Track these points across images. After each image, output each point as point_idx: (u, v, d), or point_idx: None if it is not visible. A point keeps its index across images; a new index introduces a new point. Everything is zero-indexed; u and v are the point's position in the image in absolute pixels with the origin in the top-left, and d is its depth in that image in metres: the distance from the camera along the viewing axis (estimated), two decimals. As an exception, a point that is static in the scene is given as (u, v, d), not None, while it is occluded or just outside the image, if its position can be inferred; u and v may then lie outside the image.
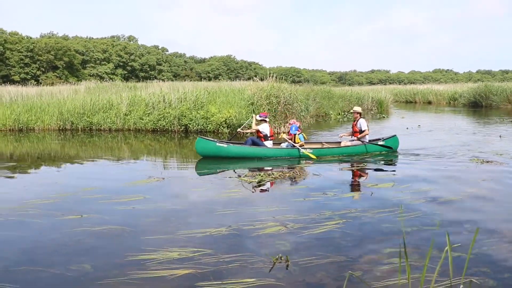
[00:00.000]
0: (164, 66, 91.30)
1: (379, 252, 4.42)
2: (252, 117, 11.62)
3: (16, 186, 8.14)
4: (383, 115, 25.13)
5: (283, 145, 10.85)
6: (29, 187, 7.99)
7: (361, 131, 10.99)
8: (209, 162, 10.19)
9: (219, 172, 9.13)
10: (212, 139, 10.48)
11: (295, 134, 10.53)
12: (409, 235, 4.89)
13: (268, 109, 16.15)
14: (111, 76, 74.93)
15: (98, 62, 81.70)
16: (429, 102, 43.58)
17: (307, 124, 18.28)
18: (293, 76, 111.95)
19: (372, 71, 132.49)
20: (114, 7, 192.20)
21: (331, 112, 24.35)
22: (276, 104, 16.20)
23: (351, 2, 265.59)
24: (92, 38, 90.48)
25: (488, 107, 32.15)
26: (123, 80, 63.39)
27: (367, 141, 10.96)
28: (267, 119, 10.98)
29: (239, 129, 12.26)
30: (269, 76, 17.71)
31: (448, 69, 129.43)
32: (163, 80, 63.05)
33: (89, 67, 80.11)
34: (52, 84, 54.24)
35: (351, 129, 11.48)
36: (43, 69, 72.14)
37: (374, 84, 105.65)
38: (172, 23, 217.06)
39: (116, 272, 3.98)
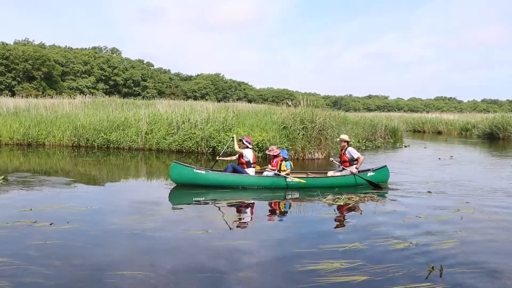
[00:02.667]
0: (149, 82, 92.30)
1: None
2: (232, 138, 11.60)
3: (103, 202, 8.96)
4: (405, 145, 26.42)
5: (267, 173, 10.95)
6: (118, 203, 8.90)
7: (352, 160, 11.21)
8: (188, 189, 10.28)
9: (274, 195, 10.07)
10: (188, 165, 10.56)
11: (281, 162, 10.76)
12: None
13: (303, 134, 17.24)
14: (92, 91, 75.45)
15: (78, 74, 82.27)
16: (439, 132, 45.32)
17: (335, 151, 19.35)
18: (286, 99, 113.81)
19: (369, 97, 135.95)
20: (94, 17, 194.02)
21: (351, 140, 25.49)
22: (311, 129, 17.29)
23: (343, 24, 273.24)
24: (72, 48, 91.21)
25: (506, 139, 33.86)
26: (104, 95, 64.06)
27: (357, 171, 11.10)
28: (251, 146, 11.10)
29: (218, 157, 11.71)
30: (302, 101, 18.85)
31: (451, 97, 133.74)
32: (148, 98, 63.86)
33: (69, 79, 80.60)
34: (30, 95, 54.73)
35: (339, 158, 11.69)
36: (19, 79, 72.31)
37: (371, 110, 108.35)
38: (153, 37, 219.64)
39: (293, 279, 4.90)
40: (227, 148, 12.58)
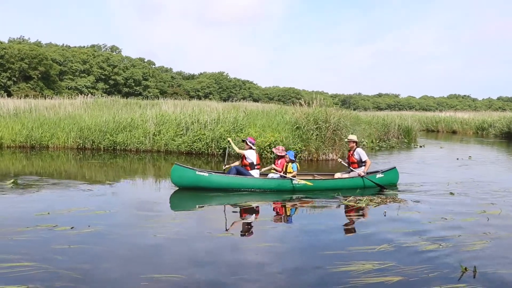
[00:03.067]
0: (150, 82, 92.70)
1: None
2: (228, 142, 11.72)
3: (119, 205, 9.19)
4: (420, 145, 26.55)
5: (272, 175, 10.96)
6: (134, 206, 9.13)
7: (360, 162, 11.31)
8: (192, 193, 10.31)
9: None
10: (191, 167, 10.64)
11: (287, 163, 10.81)
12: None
13: (317, 134, 17.40)
14: (91, 91, 75.81)
15: (77, 74, 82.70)
16: (454, 132, 45.34)
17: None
18: (292, 97, 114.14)
19: (379, 95, 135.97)
20: (91, 14, 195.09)
21: (364, 140, 25.61)
22: (325, 129, 17.45)
23: (352, 19, 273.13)
24: (69, 46, 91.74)
25: (526, 139, 33.92)
26: (106, 95, 64.37)
27: (365, 173, 11.19)
28: (254, 146, 11.08)
29: (225, 167, 11.26)
30: (315, 100, 19.00)
31: (465, 95, 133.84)
32: (151, 97, 64.11)
33: (67, 79, 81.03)
34: (28, 96, 55.10)
35: (347, 158, 11.82)
36: (15, 79, 72.66)
37: (381, 109, 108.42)
38: (153, 35, 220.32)
39: (327, 280, 5.08)
40: (228, 153, 12.44)
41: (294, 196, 10.11)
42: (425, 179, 12.64)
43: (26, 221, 7.45)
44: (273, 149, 11.47)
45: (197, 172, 10.24)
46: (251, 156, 10.75)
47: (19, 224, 7.22)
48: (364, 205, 9.05)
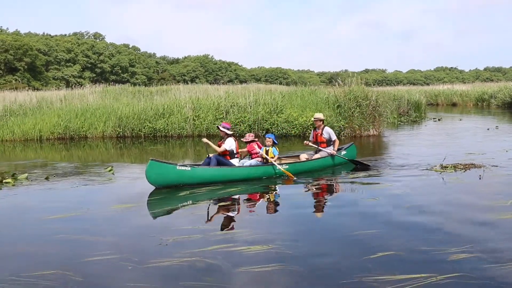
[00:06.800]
0: (137, 68, 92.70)
1: None
2: (206, 143, 10.16)
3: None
4: (438, 118, 28.08)
5: (252, 162, 10.54)
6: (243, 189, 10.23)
7: (330, 141, 11.39)
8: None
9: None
10: (169, 162, 9.70)
11: (268, 148, 10.50)
12: None
13: (358, 111, 18.69)
14: (78, 80, 75.84)
15: (62, 63, 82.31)
16: (453, 104, 47.06)
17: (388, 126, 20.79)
18: (280, 77, 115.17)
19: (366, 71, 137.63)
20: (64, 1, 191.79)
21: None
22: (366, 107, 18.77)
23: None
24: (50, 35, 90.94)
25: (529, 107, 35.84)
26: (91, 83, 64.35)
27: (334, 151, 11.32)
28: (230, 131, 10.36)
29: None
30: (354, 79, 20.23)
31: (452, 67, 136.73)
32: (138, 84, 64.26)
33: (53, 69, 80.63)
34: (17, 88, 54.92)
35: (313, 138, 11.73)
36: (0, 72, 72.14)
37: (369, 85, 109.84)
38: (131, 20, 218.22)
39: (492, 227, 6.34)
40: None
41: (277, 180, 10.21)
42: (479, 149, 13.81)
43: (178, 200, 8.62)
44: (243, 139, 11.32)
45: (177, 167, 9.41)
46: (231, 144, 10.13)
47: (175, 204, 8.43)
48: (452, 171, 10.36)
